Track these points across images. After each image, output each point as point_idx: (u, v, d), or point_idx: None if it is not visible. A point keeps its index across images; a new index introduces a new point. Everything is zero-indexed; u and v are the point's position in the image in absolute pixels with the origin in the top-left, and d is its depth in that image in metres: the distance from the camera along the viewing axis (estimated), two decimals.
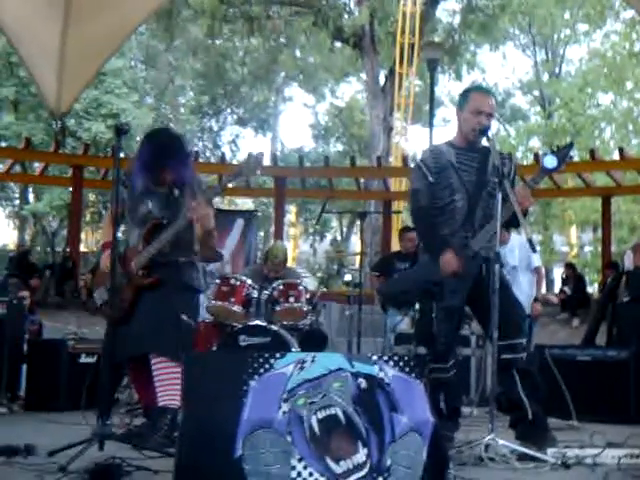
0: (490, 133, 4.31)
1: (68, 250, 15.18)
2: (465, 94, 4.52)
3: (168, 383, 4.25)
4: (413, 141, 25.74)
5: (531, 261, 7.48)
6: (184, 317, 4.41)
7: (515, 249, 7.20)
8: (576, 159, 16.46)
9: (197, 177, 4.74)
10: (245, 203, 27.20)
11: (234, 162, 22.40)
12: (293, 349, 5.87)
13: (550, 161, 4.24)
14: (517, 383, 4.28)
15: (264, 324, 6.03)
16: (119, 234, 4.41)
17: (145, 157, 4.47)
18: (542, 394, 4.36)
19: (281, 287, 6.32)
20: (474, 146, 4.41)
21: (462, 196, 4.34)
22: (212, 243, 4.70)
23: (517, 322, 4.36)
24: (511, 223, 4.32)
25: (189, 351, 4.52)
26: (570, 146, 4.38)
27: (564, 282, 14.59)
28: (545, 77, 29.25)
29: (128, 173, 4.60)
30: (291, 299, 6.27)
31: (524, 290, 7.09)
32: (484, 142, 4.39)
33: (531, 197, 4.28)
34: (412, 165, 4.13)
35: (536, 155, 15.32)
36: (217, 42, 25.83)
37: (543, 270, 7.24)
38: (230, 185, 4.71)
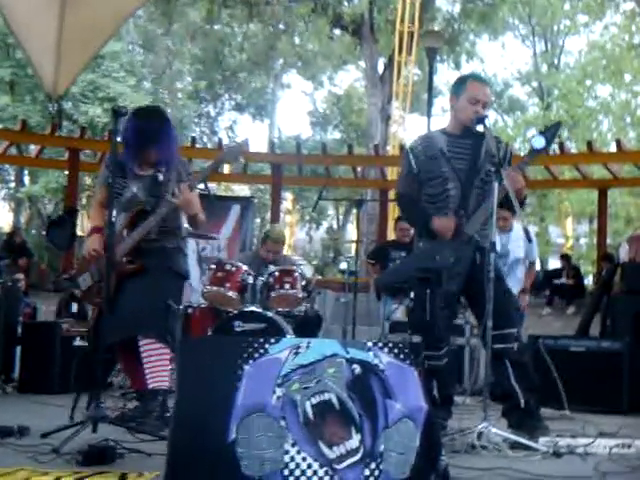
0: (487, 122, 4.30)
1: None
2: (461, 82, 4.49)
3: (157, 365, 4.26)
4: (411, 130, 25.71)
5: (530, 253, 7.29)
6: (171, 302, 4.40)
7: (520, 240, 7.00)
8: (573, 151, 16.49)
9: (183, 160, 4.72)
10: (242, 190, 27.15)
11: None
12: (288, 336, 5.87)
13: (539, 141, 4.25)
14: (509, 372, 4.28)
15: (259, 310, 6.03)
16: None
17: (130, 134, 4.41)
18: (535, 384, 4.38)
19: (276, 274, 6.31)
20: (467, 133, 4.40)
21: (455, 185, 4.33)
22: (197, 226, 4.68)
23: (509, 312, 4.36)
24: (503, 205, 4.32)
25: (178, 336, 4.53)
26: (557, 125, 4.41)
27: (557, 273, 14.64)
28: (544, 68, 29.22)
29: (110, 156, 4.56)
30: (286, 286, 6.26)
31: (520, 282, 7.05)
32: (479, 129, 4.38)
33: (522, 179, 4.28)
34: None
35: (530, 143, 15.33)
36: (216, 27, 25.79)
37: (537, 263, 7.16)
38: (226, 171, 4.70)
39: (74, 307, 8.95)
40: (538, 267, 25.83)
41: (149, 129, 4.39)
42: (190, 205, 4.38)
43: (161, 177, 4.44)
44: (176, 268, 4.49)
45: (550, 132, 4.29)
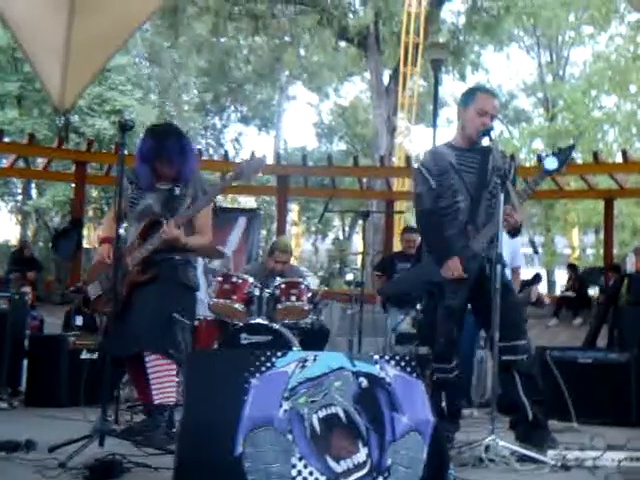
0: (493, 134, 4.31)
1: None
2: (470, 93, 4.50)
3: (163, 380, 4.26)
4: (416, 141, 25.74)
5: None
6: (177, 315, 4.40)
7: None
8: (579, 161, 16.50)
9: (200, 175, 4.73)
10: (248, 201, 27.19)
11: (237, 160, 22.41)
12: (294, 348, 5.86)
13: (551, 163, 4.24)
14: (518, 384, 4.28)
15: (265, 322, 6.03)
16: (122, 231, 4.42)
17: (145, 151, 4.45)
18: (543, 396, 4.36)
19: (283, 286, 6.31)
20: (474, 146, 4.41)
21: (464, 197, 4.34)
22: (201, 253, 4.70)
23: (518, 324, 4.36)
24: (509, 232, 4.34)
25: (188, 350, 4.53)
26: (571, 148, 4.39)
27: (569, 284, 14.59)
28: (549, 79, 29.24)
29: (133, 169, 4.61)
30: (293, 298, 6.26)
31: None
32: (485, 142, 4.38)
33: (518, 217, 4.27)
34: (414, 167, 4.14)
35: (539, 157, 15.33)
36: (221, 40, 25.83)
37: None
38: (234, 184, 4.70)
39: (79, 320, 8.94)
40: (545, 278, 25.81)
41: (166, 147, 4.41)
42: (176, 242, 4.38)
43: (177, 191, 4.46)
44: (186, 281, 4.50)
45: (564, 154, 4.27)
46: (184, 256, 4.51)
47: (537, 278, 8.01)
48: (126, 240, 4.62)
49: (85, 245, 18.51)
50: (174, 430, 4.12)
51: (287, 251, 7.01)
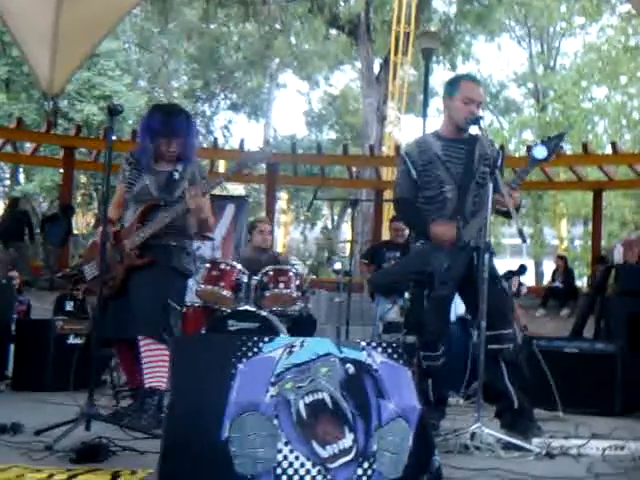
0: (482, 122, 4.30)
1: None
2: (454, 82, 4.48)
3: (156, 365, 4.26)
4: (406, 131, 25.68)
5: None
6: (171, 302, 4.41)
7: None
8: (569, 152, 16.51)
9: (199, 163, 4.73)
10: (236, 189, 27.14)
11: (226, 147, 22.36)
12: (282, 334, 5.87)
13: (540, 151, 4.22)
14: (504, 373, 4.29)
15: (253, 309, 6.03)
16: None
17: (153, 125, 4.44)
18: (528, 385, 4.38)
19: (271, 273, 6.31)
20: (461, 136, 4.40)
21: (451, 187, 4.34)
22: (207, 230, 4.72)
23: (504, 313, 4.37)
24: (502, 212, 4.31)
25: (178, 335, 4.53)
26: (561, 136, 4.36)
27: (554, 275, 14.65)
28: (540, 70, 29.26)
29: (133, 151, 4.61)
30: (281, 285, 6.26)
31: None
32: (474, 131, 4.38)
33: (517, 196, 4.26)
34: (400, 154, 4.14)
35: (529, 148, 15.34)
36: (212, 26, 25.76)
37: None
38: (221, 170, 4.71)
39: (69, 305, 8.93)
40: (533, 269, 25.86)
41: (176, 124, 4.43)
42: (201, 210, 4.40)
43: (177, 175, 4.46)
44: (180, 267, 4.50)
45: (553, 142, 4.23)
46: (179, 242, 4.51)
47: (522, 269, 8.03)
48: (122, 220, 4.61)
49: (74, 231, 18.45)
50: (162, 415, 4.12)
51: (268, 221, 7.32)
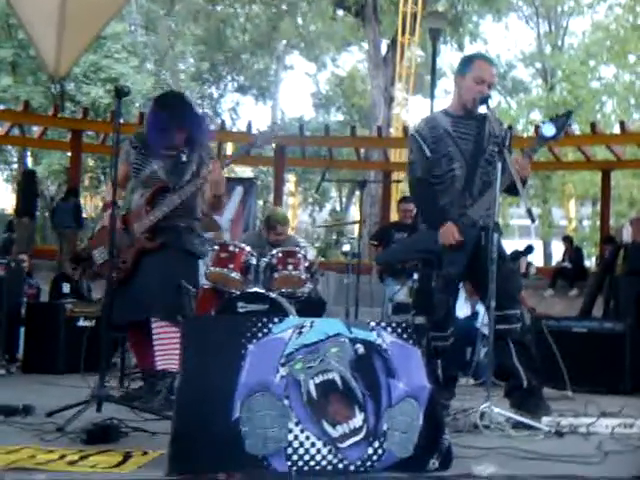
0: (490, 102, 4.28)
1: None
2: (468, 61, 4.46)
3: (168, 347, 4.27)
4: (414, 112, 25.58)
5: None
6: (184, 283, 4.42)
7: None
8: (577, 132, 16.44)
9: (206, 145, 4.71)
10: (244, 171, 27.12)
11: (234, 130, 22.31)
12: (291, 316, 5.87)
13: (548, 129, 4.20)
14: (512, 353, 4.31)
15: (262, 291, 6.03)
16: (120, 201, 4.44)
17: (160, 123, 4.44)
18: (537, 364, 4.39)
19: (280, 255, 6.30)
20: (471, 114, 4.39)
21: (460, 164, 4.33)
22: (218, 208, 4.71)
23: (512, 293, 4.37)
24: (510, 191, 4.30)
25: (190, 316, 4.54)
26: (569, 114, 4.34)
27: (564, 256, 14.61)
28: (548, 49, 29.07)
29: (137, 134, 4.60)
30: (290, 267, 6.26)
31: None
32: (482, 110, 4.36)
33: (529, 167, 4.26)
34: (410, 134, 4.08)
35: (537, 127, 15.27)
36: (218, 8, 25.64)
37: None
38: (229, 152, 4.72)
39: (65, 287, 8.97)
40: (541, 250, 25.81)
41: (178, 113, 4.43)
42: (220, 184, 4.38)
43: (184, 158, 4.46)
44: (191, 248, 4.51)
45: (561, 120, 4.22)
46: (189, 223, 4.52)
47: (529, 249, 8.02)
48: (129, 202, 4.62)
49: (83, 215, 18.48)
50: (174, 397, 4.14)
51: (286, 223, 7.07)
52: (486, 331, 4.41)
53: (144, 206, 4.45)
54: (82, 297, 8.70)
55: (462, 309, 6.94)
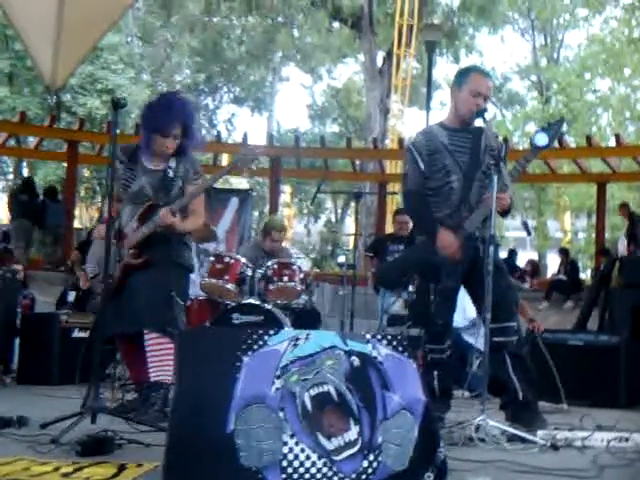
0: (486, 115, 4.30)
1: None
2: (464, 73, 4.47)
3: (161, 359, 4.26)
4: (410, 124, 25.65)
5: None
6: (174, 295, 4.41)
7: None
8: (572, 145, 16.48)
9: (193, 158, 4.70)
10: (240, 183, 27.13)
11: (229, 141, 22.33)
12: (286, 328, 5.87)
13: (541, 138, 4.21)
14: (508, 365, 4.30)
15: (257, 302, 6.03)
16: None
17: (157, 112, 4.42)
18: (533, 377, 4.39)
19: (275, 266, 6.31)
20: (467, 127, 4.40)
21: (457, 177, 4.34)
22: (196, 236, 4.72)
23: (509, 305, 4.37)
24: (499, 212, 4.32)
25: (181, 328, 4.53)
26: (560, 122, 4.37)
27: (560, 268, 14.62)
28: (543, 62, 29.18)
29: (122, 147, 4.58)
30: (285, 278, 6.27)
31: None
32: (478, 123, 4.38)
33: (508, 198, 4.25)
34: (406, 146, 4.11)
35: (531, 138, 15.31)
36: (214, 19, 25.67)
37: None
38: (225, 164, 4.72)
39: (71, 296, 8.93)
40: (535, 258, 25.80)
41: (177, 106, 4.44)
42: (171, 229, 4.39)
43: (170, 173, 4.45)
44: (181, 261, 4.51)
45: (553, 129, 4.24)
46: (179, 236, 4.51)
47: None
48: (120, 218, 4.61)
49: (76, 225, 18.46)
50: (168, 409, 4.13)
51: (283, 229, 7.10)
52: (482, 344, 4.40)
53: (134, 222, 4.47)
54: (84, 307, 8.65)
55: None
